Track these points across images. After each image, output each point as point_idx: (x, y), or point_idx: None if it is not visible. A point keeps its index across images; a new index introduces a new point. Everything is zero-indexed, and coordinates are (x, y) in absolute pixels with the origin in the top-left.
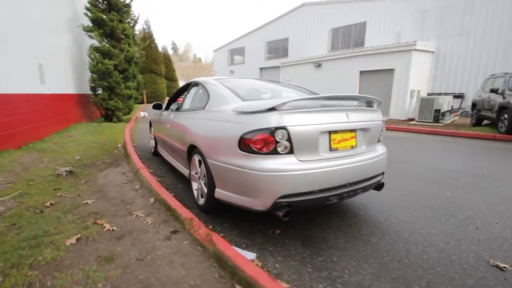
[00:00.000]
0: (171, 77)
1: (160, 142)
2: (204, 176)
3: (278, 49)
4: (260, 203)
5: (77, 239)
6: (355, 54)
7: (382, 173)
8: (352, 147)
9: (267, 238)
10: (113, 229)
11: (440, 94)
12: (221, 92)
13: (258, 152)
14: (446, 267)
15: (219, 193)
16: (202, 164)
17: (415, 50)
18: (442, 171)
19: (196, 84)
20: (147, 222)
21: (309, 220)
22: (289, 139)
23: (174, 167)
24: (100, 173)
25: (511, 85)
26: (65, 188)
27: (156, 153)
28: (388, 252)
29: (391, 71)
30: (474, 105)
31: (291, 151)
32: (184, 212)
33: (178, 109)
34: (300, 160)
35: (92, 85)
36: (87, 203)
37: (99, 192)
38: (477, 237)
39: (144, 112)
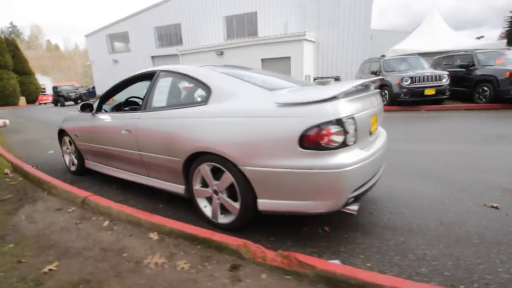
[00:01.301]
0: (23, 70)
1: (100, 156)
2: (230, 187)
3: (170, 35)
4: (330, 204)
5: None
6: (255, 43)
7: None
8: (376, 129)
9: (326, 238)
10: None
11: (322, 78)
12: (228, 82)
13: (328, 148)
14: (471, 218)
15: (265, 203)
16: (226, 174)
17: (305, 40)
18: None
19: (164, 74)
20: (182, 268)
21: None
22: (355, 128)
23: (146, 185)
24: (14, 218)
25: (386, 66)
26: None
27: (81, 171)
28: (426, 219)
29: (288, 58)
30: None
31: (355, 141)
32: (227, 239)
33: (128, 108)
34: (361, 149)
35: None
36: (51, 269)
37: (49, 248)
38: (456, 188)
39: (2, 119)
